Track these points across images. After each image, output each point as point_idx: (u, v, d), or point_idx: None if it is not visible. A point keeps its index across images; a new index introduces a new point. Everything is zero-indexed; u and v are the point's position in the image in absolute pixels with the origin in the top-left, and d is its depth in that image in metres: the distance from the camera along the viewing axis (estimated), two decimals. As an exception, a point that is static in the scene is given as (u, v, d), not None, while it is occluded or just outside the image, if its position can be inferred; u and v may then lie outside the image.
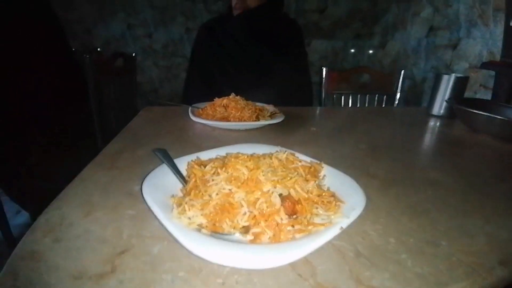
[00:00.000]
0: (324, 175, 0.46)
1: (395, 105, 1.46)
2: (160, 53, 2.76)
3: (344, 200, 0.40)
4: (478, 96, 1.74)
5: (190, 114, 0.77)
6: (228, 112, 0.80)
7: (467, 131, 0.88)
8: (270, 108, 0.90)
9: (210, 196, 0.37)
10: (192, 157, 0.48)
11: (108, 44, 2.78)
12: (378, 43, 2.55)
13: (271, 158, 0.41)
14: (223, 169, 0.39)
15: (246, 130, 0.78)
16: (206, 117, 0.80)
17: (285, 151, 0.46)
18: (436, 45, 2.02)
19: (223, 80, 1.22)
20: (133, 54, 1.87)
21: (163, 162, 0.45)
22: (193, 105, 0.88)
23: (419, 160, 0.68)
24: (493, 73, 1.60)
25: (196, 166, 0.42)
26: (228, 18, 1.26)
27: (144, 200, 0.37)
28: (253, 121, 0.78)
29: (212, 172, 0.40)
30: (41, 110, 1.31)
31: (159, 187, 0.39)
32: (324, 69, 1.41)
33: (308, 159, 0.50)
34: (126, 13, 2.63)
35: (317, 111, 1.15)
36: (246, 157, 0.40)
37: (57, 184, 0.51)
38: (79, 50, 1.99)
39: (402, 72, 1.44)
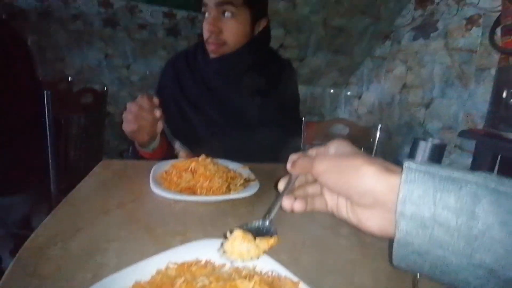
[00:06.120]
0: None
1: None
2: (138, 85, 2.68)
3: None
4: (452, 157, 1.76)
5: (151, 183, 0.67)
6: (195, 179, 0.71)
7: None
8: (244, 171, 0.82)
9: None
10: (131, 276, 0.37)
11: (81, 73, 2.65)
12: (355, 93, 2.63)
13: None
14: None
15: (215, 203, 0.69)
16: (169, 185, 0.70)
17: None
18: (409, 102, 2.08)
19: (203, 127, 1.06)
20: (105, 88, 1.76)
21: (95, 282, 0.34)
22: (157, 164, 0.78)
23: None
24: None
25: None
26: (203, 56, 1.08)
27: None
28: (222, 193, 0.69)
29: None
30: None
31: None
32: (303, 119, 1.37)
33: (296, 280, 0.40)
34: (105, 43, 2.55)
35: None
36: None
37: (8, 229, 0.43)
38: (45, 81, 1.85)
39: (379, 126, 1.44)
